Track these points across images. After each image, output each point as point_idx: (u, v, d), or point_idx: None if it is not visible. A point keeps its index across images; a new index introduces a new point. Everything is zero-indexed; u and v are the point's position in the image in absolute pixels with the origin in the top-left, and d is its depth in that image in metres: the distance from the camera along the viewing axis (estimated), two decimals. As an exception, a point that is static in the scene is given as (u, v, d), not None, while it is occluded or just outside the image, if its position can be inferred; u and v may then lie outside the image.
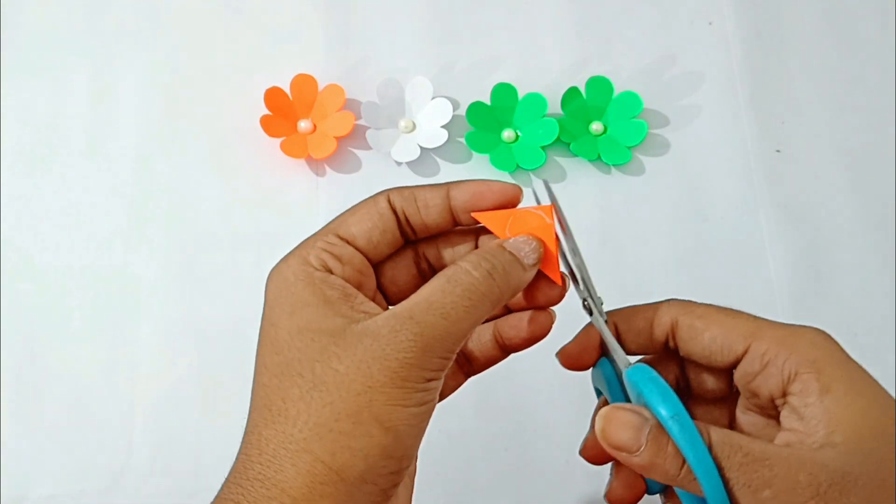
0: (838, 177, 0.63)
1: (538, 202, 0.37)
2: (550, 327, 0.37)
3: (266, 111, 0.61)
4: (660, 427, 0.32)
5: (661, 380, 0.33)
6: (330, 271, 0.34)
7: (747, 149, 0.63)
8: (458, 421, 0.55)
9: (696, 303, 0.37)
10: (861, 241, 0.61)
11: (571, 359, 0.37)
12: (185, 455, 0.55)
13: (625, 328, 0.37)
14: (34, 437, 0.54)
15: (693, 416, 0.33)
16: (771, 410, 0.35)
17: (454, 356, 0.33)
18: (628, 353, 0.37)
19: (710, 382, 0.38)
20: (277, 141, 0.61)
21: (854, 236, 0.61)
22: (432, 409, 0.33)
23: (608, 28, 0.66)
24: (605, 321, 0.36)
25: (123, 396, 0.55)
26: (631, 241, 0.61)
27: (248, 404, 0.34)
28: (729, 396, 0.38)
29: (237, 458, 0.33)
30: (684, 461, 0.31)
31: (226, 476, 0.33)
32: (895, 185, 0.62)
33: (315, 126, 0.62)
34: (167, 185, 0.61)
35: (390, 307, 0.33)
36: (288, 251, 0.35)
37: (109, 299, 0.58)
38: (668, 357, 0.38)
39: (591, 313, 0.37)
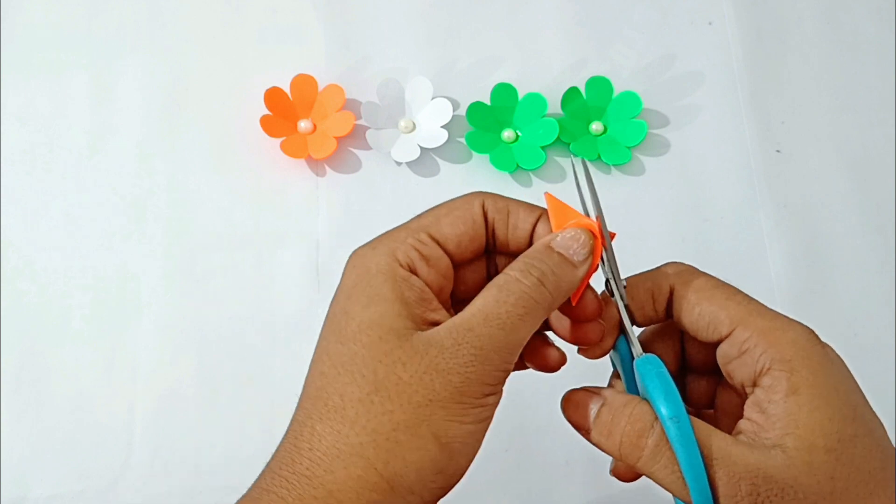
0: (838, 177, 0.63)
1: (577, 181, 0.37)
2: (597, 338, 0.37)
3: (266, 111, 0.61)
4: (664, 431, 0.32)
5: (668, 376, 0.33)
6: (415, 272, 0.34)
7: (747, 149, 0.63)
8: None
9: (696, 271, 0.36)
10: (861, 241, 0.61)
11: (594, 352, 0.37)
12: (185, 455, 0.55)
13: (630, 301, 0.36)
14: (34, 437, 0.54)
15: (684, 385, 0.34)
16: (742, 394, 0.35)
17: (512, 367, 0.33)
18: (635, 324, 0.37)
19: (699, 354, 0.38)
20: (277, 141, 0.61)
21: (854, 236, 0.61)
22: (487, 427, 0.33)
23: (608, 28, 0.66)
24: (626, 305, 0.36)
25: (123, 396, 0.55)
26: (631, 241, 0.60)
27: (303, 388, 0.34)
28: (716, 369, 0.37)
29: (283, 446, 0.33)
30: (678, 470, 0.32)
31: (266, 462, 0.33)
32: (895, 185, 0.62)
33: (315, 126, 0.62)
34: (167, 185, 0.61)
35: (451, 318, 0.33)
36: (374, 241, 0.35)
37: (109, 299, 0.58)
38: (672, 326, 0.38)
39: (612, 294, 0.36)
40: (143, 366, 0.56)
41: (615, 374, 0.38)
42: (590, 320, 0.36)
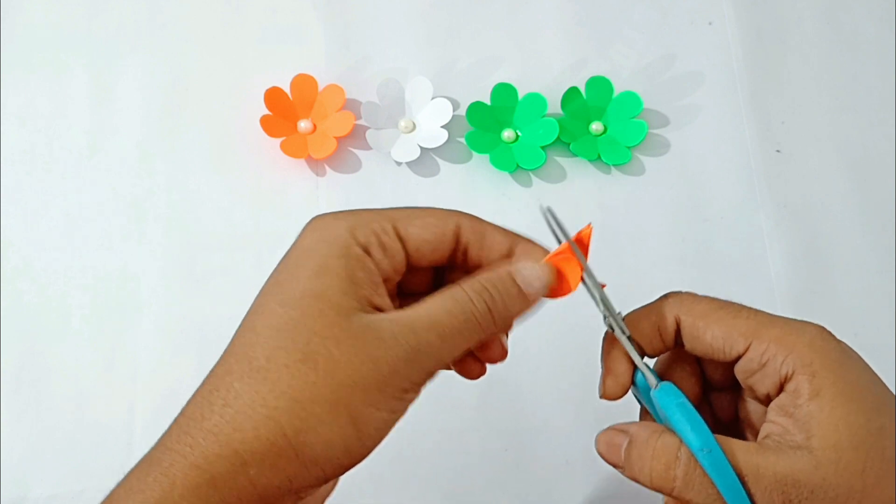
0: (838, 177, 0.63)
1: (550, 226, 0.37)
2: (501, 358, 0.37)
3: (266, 111, 0.61)
4: (691, 458, 0.33)
5: (688, 404, 0.34)
6: (370, 254, 0.34)
7: (747, 149, 0.63)
8: (458, 420, 0.55)
9: (697, 298, 0.37)
10: (861, 241, 0.61)
11: (615, 392, 0.37)
12: (185, 455, 0.55)
13: (636, 335, 0.37)
14: (34, 437, 0.54)
15: (707, 402, 0.34)
16: (766, 403, 0.35)
17: (436, 374, 0.33)
18: (645, 356, 0.37)
19: (717, 373, 0.38)
20: (277, 141, 0.61)
21: (854, 236, 0.61)
22: (398, 419, 0.33)
23: (608, 28, 0.66)
24: (629, 337, 0.36)
25: (123, 396, 0.55)
26: (631, 241, 0.61)
27: (230, 342, 0.33)
28: (736, 384, 0.38)
29: (194, 399, 0.32)
30: (715, 491, 0.32)
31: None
32: (895, 185, 0.62)
33: (315, 126, 0.62)
34: (167, 185, 0.61)
35: (396, 311, 0.33)
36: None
37: (109, 299, 0.58)
38: (684, 351, 0.38)
39: (612, 330, 0.37)
40: (143, 366, 0.56)
41: (643, 409, 0.39)
42: (486, 359, 0.37)
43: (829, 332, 0.35)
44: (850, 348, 0.35)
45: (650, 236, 0.61)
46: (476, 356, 0.37)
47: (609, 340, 0.37)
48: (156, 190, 0.60)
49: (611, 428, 0.36)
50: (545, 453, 0.55)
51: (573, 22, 0.66)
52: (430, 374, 0.33)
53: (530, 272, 0.35)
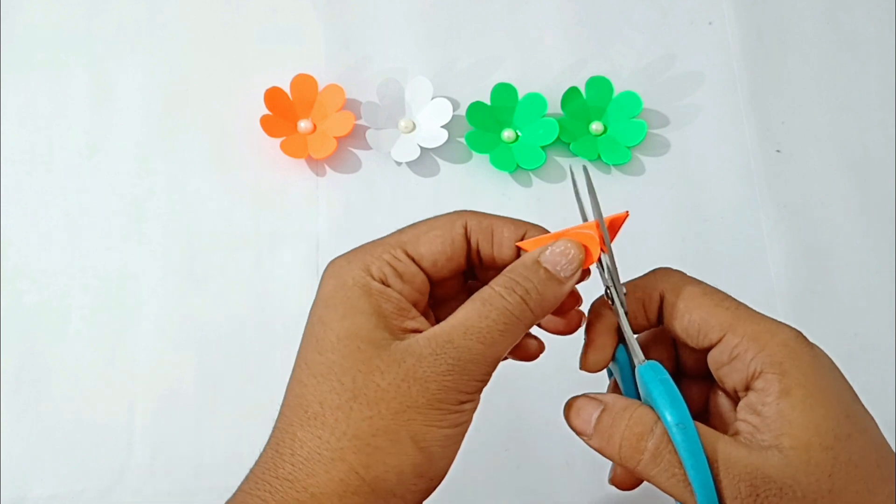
0: (838, 177, 0.63)
1: (576, 191, 0.37)
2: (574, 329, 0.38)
3: (266, 111, 0.61)
4: (665, 434, 0.32)
5: (671, 382, 0.33)
6: (388, 286, 0.34)
7: (747, 149, 0.63)
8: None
9: (685, 278, 0.36)
10: (861, 241, 0.61)
11: (597, 364, 0.37)
12: (185, 455, 0.55)
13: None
14: (34, 437, 0.54)
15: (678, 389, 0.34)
16: (735, 398, 0.35)
17: (490, 377, 0.34)
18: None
19: (691, 360, 0.38)
20: (277, 141, 0.61)
21: (854, 236, 0.61)
22: (465, 431, 0.34)
23: (608, 28, 0.66)
24: (626, 312, 0.36)
25: (123, 396, 0.55)
26: (631, 241, 0.60)
27: (283, 397, 0.34)
28: (708, 374, 0.37)
29: (265, 453, 0.33)
30: (681, 472, 0.32)
31: (250, 469, 0.33)
32: (895, 186, 0.62)
33: (315, 126, 0.62)
34: (167, 185, 0.61)
35: (432, 328, 0.33)
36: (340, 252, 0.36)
37: (109, 299, 0.58)
38: (665, 331, 0.38)
39: (612, 302, 0.36)
40: (142, 366, 0.56)
41: (613, 384, 0.38)
42: (566, 314, 0.37)
43: (804, 336, 0.34)
44: (824, 354, 0.34)
45: (650, 236, 0.61)
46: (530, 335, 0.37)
47: (594, 312, 0.37)
48: (156, 190, 0.60)
49: (584, 395, 0.35)
50: (545, 453, 0.55)
51: (573, 22, 0.66)
52: (481, 381, 0.33)
53: (556, 254, 0.35)
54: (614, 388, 0.38)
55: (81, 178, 0.60)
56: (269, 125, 0.60)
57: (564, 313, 0.38)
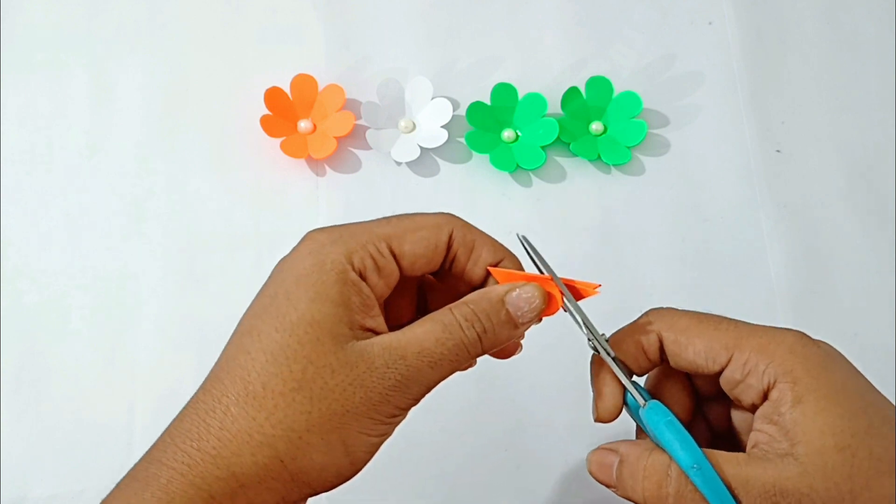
0: (838, 177, 0.63)
1: (529, 254, 0.37)
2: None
3: (266, 111, 0.61)
4: (681, 475, 0.33)
5: (676, 422, 0.34)
6: (365, 279, 0.34)
7: (747, 149, 0.63)
8: (458, 420, 0.55)
9: (678, 313, 0.37)
10: (861, 241, 0.61)
11: (608, 413, 0.37)
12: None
13: (621, 355, 0.37)
14: (34, 437, 0.54)
15: (701, 413, 0.35)
16: (755, 412, 0.35)
17: (423, 398, 0.34)
18: (633, 374, 0.37)
19: (707, 385, 0.38)
20: (277, 141, 0.61)
21: (854, 236, 0.61)
22: (384, 442, 0.34)
23: (608, 28, 0.66)
24: (614, 357, 0.37)
25: (123, 396, 0.55)
26: (631, 241, 0.61)
27: (221, 356, 0.34)
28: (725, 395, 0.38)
29: (188, 417, 0.33)
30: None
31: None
32: (895, 186, 0.62)
33: (315, 126, 0.62)
34: (167, 185, 0.61)
35: (387, 336, 0.34)
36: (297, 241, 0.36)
37: (109, 299, 0.58)
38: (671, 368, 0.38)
39: (598, 352, 0.37)
40: (142, 366, 0.56)
41: (639, 427, 0.39)
42: (503, 357, 0.39)
43: (809, 337, 0.34)
44: (832, 349, 0.34)
45: (650, 236, 0.61)
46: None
47: (597, 363, 0.37)
48: (156, 190, 0.60)
49: (601, 447, 0.36)
50: (545, 453, 0.55)
51: (573, 22, 0.66)
52: (417, 400, 0.34)
53: (522, 299, 0.35)
54: (639, 431, 0.39)
55: (81, 178, 0.60)
56: (269, 125, 0.60)
57: (502, 356, 0.39)
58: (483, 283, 0.37)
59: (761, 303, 0.59)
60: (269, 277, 0.35)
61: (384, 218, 0.37)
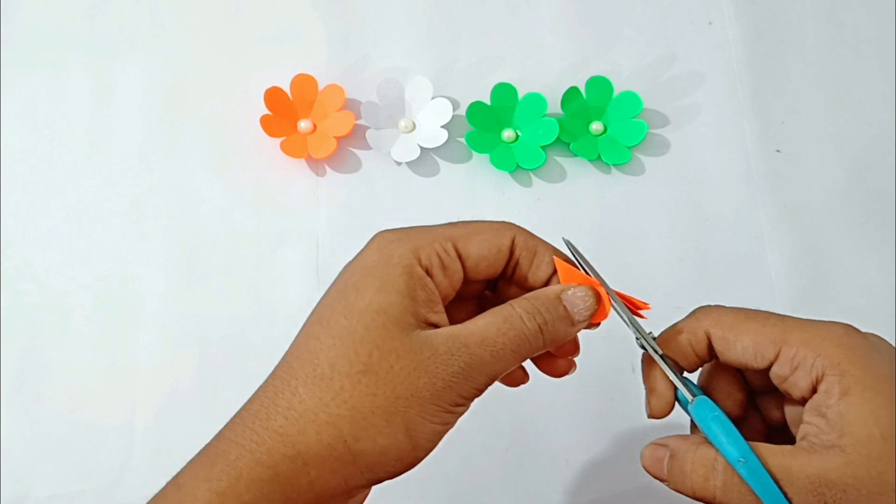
0: (838, 177, 0.63)
1: (577, 259, 0.38)
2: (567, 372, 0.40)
3: (266, 111, 0.61)
4: (728, 468, 0.34)
5: (723, 417, 0.35)
6: (431, 276, 0.35)
7: (747, 149, 0.63)
8: (458, 420, 0.55)
9: (725, 310, 0.37)
10: (861, 241, 0.61)
11: (661, 409, 0.38)
12: (185, 455, 0.54)
13: (670, 353, 0.38)
14: (34, 437, 0.54)
15: (755, 407, 0.37)
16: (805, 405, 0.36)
17: (486, 389, 0.35)
18: (683, 371, 0.38)
19: (758, 380, 0.39)
20: (277, 141, 0.61)
21: (854, 236, 0.61)
22: (447, 431, 0.35)
23: (608, 28, 0.66)
24: (662, 356, 0.37)
25: (124, 396, 0.55)
26: (631, 240, 0.61)
27: (290, 347, 0.35)
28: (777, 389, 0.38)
29: (258, 400, 0.34)
30: (754, 497, 0.33)
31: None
32: (895, 185, 0.62)
33: (315, 126, 0.62)
34: (167, 185, 0.61)
35: (450, 327, 0.35)
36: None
37: (109, 299, 0.58)
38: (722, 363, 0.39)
39: (646, 350, 0.38)
40: (143, 366, 0.56)
41: (693, 422, 0.40)
42: (563, 356, 0.39)
43: (855, 329, 0.35)
44: (880, 339, 0.35)
45: (650, 236, 0.61)
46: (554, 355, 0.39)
47: (647, 361, 0.38)
48: (156, 190, 0.60)
49: (653, 443, 0.37)
50: (545, 453, 0.55)
51: (573, 22, 0.66)
52: (480, 389, 0.35)
53: (577, 297, 0.36)
54: (693, 426, 0.39)
55: (81, 178, 0.60)
56: (269, 125, 0.60)
57: (562, 355, 0.40)
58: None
59: (761, 303, 0.59)
60: (339, 274, 0.36)
61: (449, 223, 0.38)
